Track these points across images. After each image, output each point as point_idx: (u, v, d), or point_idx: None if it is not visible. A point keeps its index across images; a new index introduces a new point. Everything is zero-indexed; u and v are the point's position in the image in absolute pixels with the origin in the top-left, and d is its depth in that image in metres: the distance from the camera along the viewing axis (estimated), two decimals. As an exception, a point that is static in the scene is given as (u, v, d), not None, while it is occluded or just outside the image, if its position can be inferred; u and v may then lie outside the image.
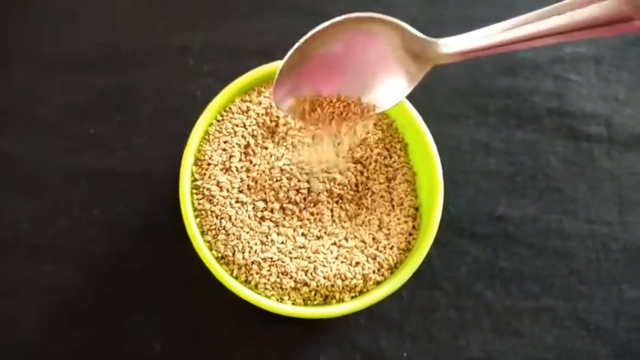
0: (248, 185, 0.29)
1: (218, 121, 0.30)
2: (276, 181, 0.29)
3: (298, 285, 0.28)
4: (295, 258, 0.28)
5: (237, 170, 0.29)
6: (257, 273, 0.28)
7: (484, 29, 0.22)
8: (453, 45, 0.23)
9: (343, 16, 0.23)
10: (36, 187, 0.34)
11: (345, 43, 0.24)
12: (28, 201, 0.33)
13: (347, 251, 0.29)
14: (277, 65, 0.30)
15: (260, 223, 0.29)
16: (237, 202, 0.29)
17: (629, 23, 0.18)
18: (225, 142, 0.30)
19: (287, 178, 0.29)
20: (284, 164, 0.29)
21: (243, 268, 0.28)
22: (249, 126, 0.30)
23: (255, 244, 0.28)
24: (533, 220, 0.35)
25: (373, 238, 0.29)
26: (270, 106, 0.30)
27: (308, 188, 0.29)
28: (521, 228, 0.34)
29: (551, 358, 0.32)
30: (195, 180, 0.29)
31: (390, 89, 0.25)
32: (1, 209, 0.33)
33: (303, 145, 0.29)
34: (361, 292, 0.28)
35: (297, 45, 0.24)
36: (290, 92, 0.25)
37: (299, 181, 0.29)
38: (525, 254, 0.34)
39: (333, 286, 0.28)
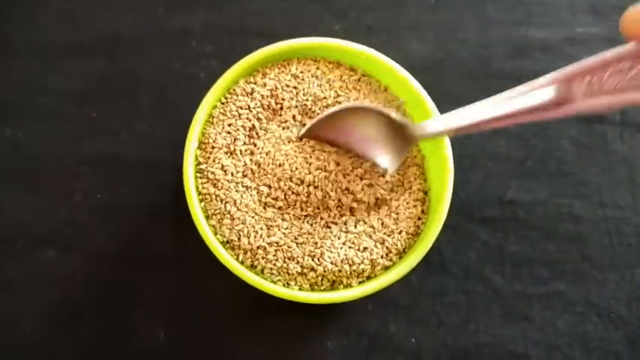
0: (252, 169, 0.29)
1: (222, 103, 0.30)
2: (279, 165, 0.28)
3: (305, 270, 0.27)
4: (302, 243, 0.28)
5: (241, 153, 0.29)
6: (263, 258, 0.27)
7: (452, 113, 0.26)
8: (428, 128, 0.27)
9: (336, 108, 0.28)
10: (37, 174, 0.33)
11: (345, 128, 0.28)
12: (29, 188, 0.33)
13: (355, 236, 0.28)
14: (282, 45, 0.30)
15: (265, 208, 0.28)
16: (242, 186, 0.28)
17: (562, 107, 0.22)
18: (229, 125, 0.29)
19: (289, 165, 0.28)
20: (288, 149, 0.28)
21: (248, 253, 0.28)
22: (254, 108, 0.29)
23: (261, 228, 0.28)
24: (544, 204, 0.34)
25: (382, 223, 0.29)
26: (275, 87, 0.30)
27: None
28: (531, 212, 0.34)
29: (562, 343, 0.32)
30: (199, 164, 0.29)
31: (382, 164, 0.29)
32: (2, 197, 0.33)
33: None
34: (369, 278, 0.28)
35: (314, 120, 0.29)
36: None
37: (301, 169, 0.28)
38: (536, 239, 0.33)
39: (340, 271, 0.27)
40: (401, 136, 0.28)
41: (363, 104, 0.29)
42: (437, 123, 0.27)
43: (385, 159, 0.29)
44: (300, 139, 0.29)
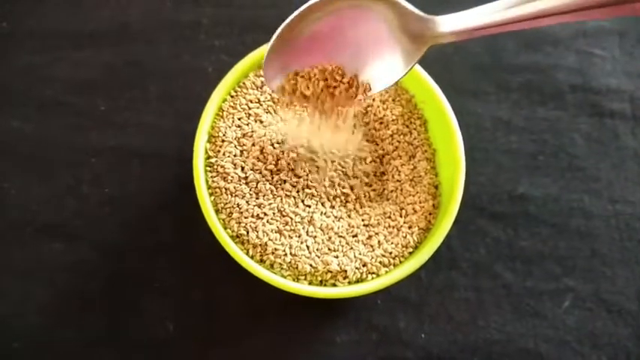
0: (261, 162, 0.28)
1: (232, 96, 0.29)
2: (288, 155, 0.28)
3: (314, 265, 0.27)
4: (312, 237, 0.28)
5: (251, 146, 0.28)
6: (272, 252, 0.27)
7: (485, 6, 0.20)
8: (451, 23, 0.21)
9: None
10: (45, 165, 0.33)
11: (339, 20, 0.22)
12: (37, 179, 0.33)
13: (365, 231, 0.28)
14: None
15: (275, 202, 0.28)
16: (253, 179, 0.28)
17: (632, 5, 0.17)
18: (239, 119, 0.29)
19: (295, 155, 0.28)
20: (294, 143, 0.28)
21: (258, 247, 0.27)
22: (264, 102, 0.29)
23: (270, 222, 0.28)
24: (555, 199, 0.34)
25: (392, 218, 0.29)
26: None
27: (317, 167, 0.28)
28: (542, 207, 0.33)
29: (572, 339, 0.32)
30: (208, 157, 0.28)
31: (386, 68, 0.24)
32: (10, 188, 0.33)
33: (301, 121, 0.26)
34: (379, 273, 0.28)
35: (287, 21, 0.22)
36: (280, 70, 0.24)
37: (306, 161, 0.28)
38: (546, 234, 0.33)
39: (350, 266, 0.27)
40: (413, 35, 0.22)
41: None
42: (467, 18, 0.21)
43: (394, 61, 0.23)
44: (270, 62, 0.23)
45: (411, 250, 0.28)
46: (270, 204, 0.28)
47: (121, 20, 0.36)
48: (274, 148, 0.28)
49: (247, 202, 0.28)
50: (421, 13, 0.22)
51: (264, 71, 0.23)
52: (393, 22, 0.22)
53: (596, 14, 0.18)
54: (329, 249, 0.28)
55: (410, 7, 0.22)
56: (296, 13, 0.22)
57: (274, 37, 0.23)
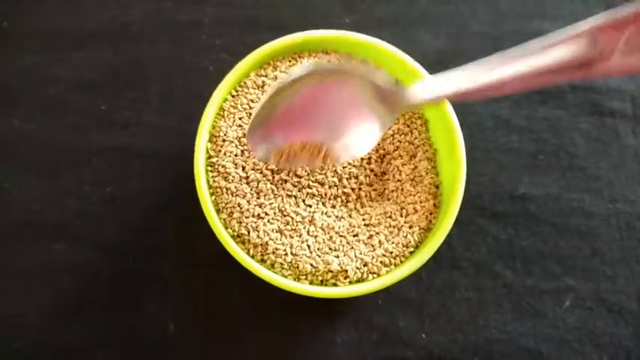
0: (262, 162, 0.28)
1: (233, 96, 0.29)
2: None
3: (315, 264, 0.27)
4: (313, 237, 0.28)
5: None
6: (273, 252, 0.27)
7: (450, 73, 0.21)
8: (419, 93, 0.22)
9: (311, 68, 0.22)
10: (46, 165, 0.33)
11: (315, 93, 0.23)
12: (38, 179, 0.33)
13: (366, 231, 0.28)
14: (293, 38, 0.29)
15: (276, 202, 0.28)
16: (254, 179, 0.28)
17: (589, 68, 0.18)
18: (240, 119, 0.29)
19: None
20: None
21: (259, 247, 0.27)
22: (265, 101, 0.29)
23: (271, 222, 0.28)
24: (556, 198, 0.34)
25: (393, 218, 0.29)
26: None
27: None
28: (543, 207, 0.33)
29: (572, 339, 0.32)
30: (209, 157, 0.28)
31: (362, 135, 0.25)
32: (11, 188, 0.33)
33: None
34: (380, 273, 0.28)
35: (265, 97, 0.23)
36: (262, 140, 0.25)
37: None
38: (547, 234, 0.33)
39: (351, 266, 0.27)
40: (385, 103, 0.23)
41: (336, 65, 0.23)
42: (432, 88, 0.22)
43: (367, 130, 0.24)
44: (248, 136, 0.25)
45: (411, 249, 0.28)
46: (271, 204, 0.28)
47: (122, 20, 0.36)
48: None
49: (248, 201, 0.28)
50: (389, 87, 0.23)
51: (248, 142, 0.25)
52: (366, 93, 0.23)
53: (556, 78, 0.19)
54: (330, 249, 0.28)
55: (380, 81, 0.22)
56: (272, 89, 0.23)
57: (254, 114, 0.24)
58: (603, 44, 0.18)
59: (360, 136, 0.25)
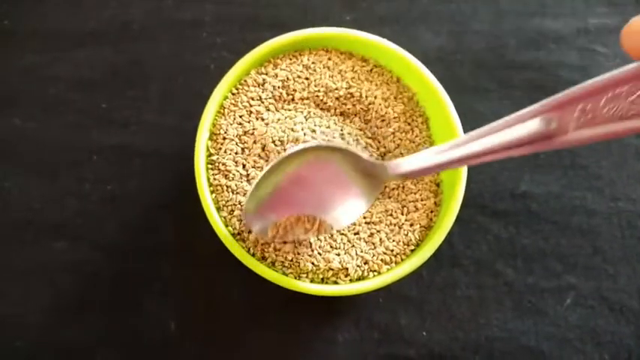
0: (263, 159, 0.28)
1: (233, 94, 0.29)
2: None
3: (316, 262, 0.27)
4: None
5: (253, 144, 0.28)
6: (274, 250, 0.27)
7: (426, 151, 0.24)
8: (398, 168, 0.25)
9: (296, 149, 0.24)
10: (47, 164, 0.33)
11: (303, 175, 0.25)
12: (39, 178, 0.33)
13: (367, 229, 0.28)
14: (294, 36, 0.29)
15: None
16: (253, 177, 0.28)
17: (552, 140, 0.20)
18: (240, 116, 0.29)
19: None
20: (295, 135, 0.28)
21: (259, 245, 0.27)
22: (266, 99, 0.29)
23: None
24: (557, 197, 0.34)
25: (394, 216, 0.29)
26: (287, 78, 0.29)
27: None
28: (544, 205, 0.33)
29: (574, 337, 0.31)
30: (210, 155, 0.28)
31: (349, 208, 0.27)
32: (12, 187, 0.33)
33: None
34: (381, 271, 0.28)
35: (254, 183, 0.25)
36: (258, 219, 0.26)
37: None
38: (548, 232, 0.33)
39: (352, 264, 0.27)
40: (369, 176, 0.25)
41: (323, 143, 0.26)
42: (411, 162, 0.24)
43: (356, 201, 0.26)
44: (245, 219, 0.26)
45: (412, 247, 0.28)
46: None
47: (122, 19, 0.36)
48: (275, 145, 0.28)
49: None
50: (374, 161, 0.25)
51: (244, 219, 0.26)
52: (350, 169, 0.25)
53: (520, 151, 0.21)
54: (331, 247, 0.28)
55: (364, 156, 0.25)
56: (262, 173, 0.25)
57: (247, 196, 0.25)
58: (559, 120, 0.20)
59: (347, 208, 0.27)
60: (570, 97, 0.20)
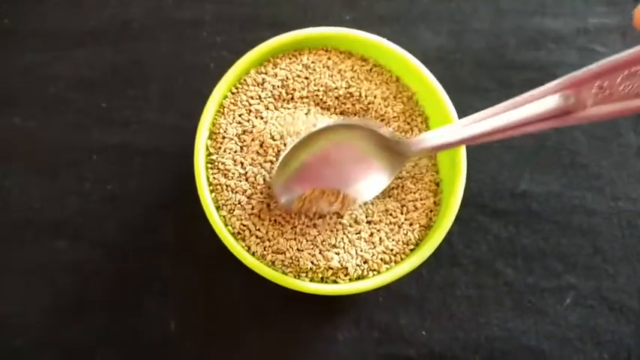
0: (261, 156, 0.28)
1: (233, 93, 0.29)
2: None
3: (316, 261, 0.27)
4: (313, 234, 0.28)
5: (251, 142, 0.28)
6: (273, 250, 0.27)
7: (449, 126, 0.25)
8: (421, 143, 0.26)
9: (322, 126, 0.26)
10: (47, 163, 0.33)
11: (328, 151, 0.27)
12: (39, 177, 0.33)
13: (367, 228, 0.28)
14: (293, 35, 0.29)
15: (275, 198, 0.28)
16: (251, 176, 0.28)
17: (570, 115, 0.21)
18: (240, 115, 0.29)
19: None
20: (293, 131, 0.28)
21: (259, 245, 0.27)
22: (265, 98, 0.29)
23: (272, 220, 0.28)
24: (557, 196, 0.34)
25: (394, 215, 0.29)
26: (287, 77, 0.29)
27: None
28: (544, 204, 0.33)
29: (574, 336, 0.31)
30: (209, 154, 0.28)
31: (371, 183, 0.28)
32: (12, 186, 0.33)
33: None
34: (380, 270, 0.28)
35: (281, 158, 0.26)
36: (285, 192, 0.27)
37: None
38: (548, 231, 0.33)
39: (351, 263, 0.27)
40: (393, 152, 0.27)
41: (346, 121, 0.27)
42: (432, 138, 0.25)
43: (378, 176, 0.28)
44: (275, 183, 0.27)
45: (412, 247, 0.28)
46: (271, 201, 0.28)
47: (122, 18, 0.36)
48: (274, 140, 0.28)
49: (248, 198, 0.28)
50: (395, 137, 0.26)
51: (273, 192, 0.27)
52: (373, 146, 0.26)
53: (538, 126, 0.22)
54: (330, 247, 0.28)
55: (387, 134, 0.26)
56: (288, 148, 0.26)
57: (275, 170, 0.27)
58: (577, 97, 0.21)
59: (369, 183, 0.28)
60: (588, 75, 0.20)
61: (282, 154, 0.26)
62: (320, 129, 0.26)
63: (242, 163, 0.28)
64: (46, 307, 0.31)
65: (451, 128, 0.25)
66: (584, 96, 0.20)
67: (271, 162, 0.28)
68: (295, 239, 0.27)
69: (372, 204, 0.29)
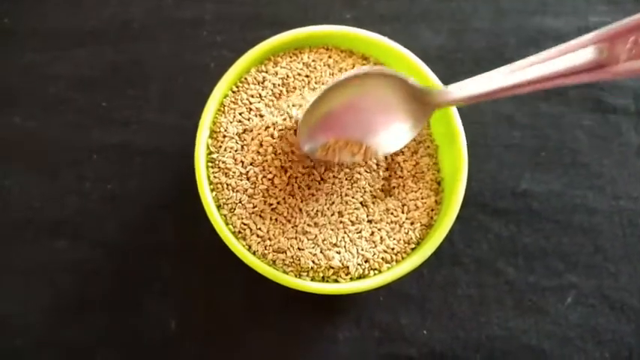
0: (261, 155, 0.28)
1: (233, 92, 0.29)
2: (284, 153, 0.28)
3: (317, 260, 0.27)
4: (313, 235, 0.28)
5: (251, 140, 0.28)
6: (274, 249, 0.27)
7: (478, 77, 0.24)
8: (451, 94, 0.25)
9: (349, 73, 0.25)
10: (47, 162, 0.33)
11: (354, 100, 0.26)
12: (39, 177, 0.33)
13: (367, 228, 0.28)
14: (294, 33, 0.29)
15: (277, 198, 0.28)
16: (253, 174, 0.28)
17: (604, 69, 0.20)
18: (240, 114, 0.29)
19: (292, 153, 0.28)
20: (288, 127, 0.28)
21: (260, 244, 0.27)
22: (265, 97, 0.29)
23: (272, 218, 0.28)
24: (558, 195, 0.34)
25: (395, 214, 0.29)
26: (287, 76, 0.29)
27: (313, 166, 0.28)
28: (545, 204, 0.33)
29: (575, 335, 0.31)
30: (210, 153, 0.28)
31: (395, 134, 0.27)
32: (12, 186, 0.33)
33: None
34: (381, 269, 0.28)
35: (308, 106, 0.26)
36: (309, 139, 0.27)
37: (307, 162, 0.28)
38: (549, 230, 0.33)
39: (352, 262, 0.27)
40: (419, 102, 0.26)
41: (374, 69, 0.27)
42: (462, 88, 0.25)
43: (401, 128, 0.27)
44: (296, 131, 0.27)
45: (413, 246, 0.28)
46: (272, 200, 0.28)
47: (123, 17, 0.36)
48: (273, 138, 0.28)
49: (249, 197, 0.28)
50: (423, 86, 0.25)
51: (298, 139, 0.28)
52: (399, 95, 0.26)
53: (569, 80, 0.21)
54: (332, 245, 0.28)
55: (415, 82, 0.25)
56: (315, 98, 0.26)
57: (301, 116, 0.27)
58: (610, 51, 0.20)
59: (393, 134, 0.27)
60: (623, 29, 0.20)
61: (311, 101, 0.26)
62: (347, 77, 0.25)
63: (243, 162, 0.28)
64: (46, 307, 0.31)
65: (480, 80, 0.24)
66: (617, 50, 0.20)
67: (272, 167, 0.28)
68: (296, 238, 0.27)
69: (373, 203, 0.29)
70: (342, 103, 0.26)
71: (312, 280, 0.27)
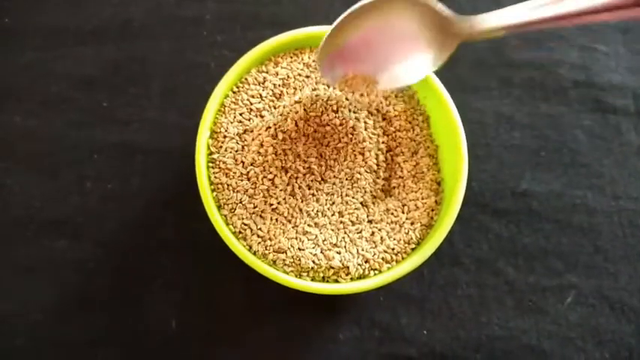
0: (262, 156, 0.28)
1: (234, 92, 0.29)
2: (283, 154, 0.28)
3: (317, 261, 0.27)
4: (314, 235, 0.28)
5: (252, 141, 0.28)
6: (275, 249, 0.27)
7: (511, 7, 0.23)
8: (481, 22, 0.23)
9: (362, 3, 0.24)
10: (48, 161, 0.33)
11: (375, 25, 0.25)
12: (40, 176, 0.33)
13: (368, 228, 0.28)
14: (295, 34, 0.29)
15: (278, 198, 0.28)
16: (254, 175, 0.28)
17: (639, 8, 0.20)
18: (241, 114, 0.29)
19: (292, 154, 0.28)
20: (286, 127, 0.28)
21: (260, 244, 0.27)
22: (266, 97, 0.29)
23: (273, 219, 0.28)
24: (558, 195, 0.34)
25: (395, 215, 0.29)
26: (287, 76, 0.29)
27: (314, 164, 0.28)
28: (545, 204, 0.33)
29: (575, 336, 0.31)
30: (211, 153, 0.28)
31: (417, 65, 0.26)
32: (13, 185, 0.33)
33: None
34: (381, 269, 0.28)
35: (329, 32, 0.25)
36: (329, 69, 0.27)
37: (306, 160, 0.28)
38: (549, 230, 0.33)
39: (352, 263, 0.27)
40: (446, 32, 0.24)
41: None
42: (499, 17, 0.23)
43: (423, 59, 0.25)
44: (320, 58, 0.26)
45: (413, 246, 0.28)
46: (272, 200, 0.28)
47: (124, 16, 0.36)
48: (273, 139, 0.28)
49: (250, 197, 0.28)
50: (452, 14, 0.24)
51: (319, 69, 0.27)
52: (426, 23, 0.24)
53: (612, 16, 0.20)
54: (332, 245, 0.28)
55: (442, 9, 0.24)
56: (336, 22, 0.25)
57: (320, 47, 0.26)
58: None
59: (412, 66, 0.26)
60: None
61: (334, 24, 0.25)
62: (372, 1, 0.24)
63: (243, 162, 0.28)
64: (47, 306, 0.31)
65: (517, 9, 0.22)
66: None
67: (273, 167, 0.28)
68: (296, 238, 0.27)
69: (374, 203, 0.29)
70: (360, 34, 0.25)
71: (312, 280, 0.27)
